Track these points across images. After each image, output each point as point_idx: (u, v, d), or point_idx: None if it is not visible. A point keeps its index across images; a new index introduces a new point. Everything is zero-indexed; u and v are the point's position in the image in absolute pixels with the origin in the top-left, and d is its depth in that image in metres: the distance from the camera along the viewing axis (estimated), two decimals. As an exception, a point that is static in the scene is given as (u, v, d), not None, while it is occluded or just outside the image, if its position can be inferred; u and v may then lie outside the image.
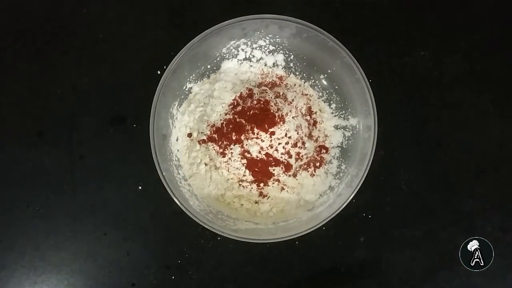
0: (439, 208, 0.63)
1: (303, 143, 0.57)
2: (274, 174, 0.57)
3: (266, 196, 0.59)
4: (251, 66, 0.62)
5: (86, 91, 0.63)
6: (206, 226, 0.53)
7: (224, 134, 0.57)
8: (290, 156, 0.57)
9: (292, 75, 0.62)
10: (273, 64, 0.62)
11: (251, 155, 0.56)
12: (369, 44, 0.64)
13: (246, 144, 0.56)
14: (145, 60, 0.63)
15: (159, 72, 0.62)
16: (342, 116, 0.62)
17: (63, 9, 0.65)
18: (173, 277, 0.61)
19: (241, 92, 0.58)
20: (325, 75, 0.62)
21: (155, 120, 0.54)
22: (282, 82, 0.62)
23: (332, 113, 0.62)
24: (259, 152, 0.56)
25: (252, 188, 0.58)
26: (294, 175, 0.59)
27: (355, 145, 0.60)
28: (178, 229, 0.61)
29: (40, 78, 0.64)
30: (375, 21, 0.65)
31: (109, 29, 0.65)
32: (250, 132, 0.55)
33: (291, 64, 0.62)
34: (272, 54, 0.62)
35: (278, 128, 0.55)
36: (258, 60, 0.62)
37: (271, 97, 0.57)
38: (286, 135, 0.56)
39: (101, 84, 0.63)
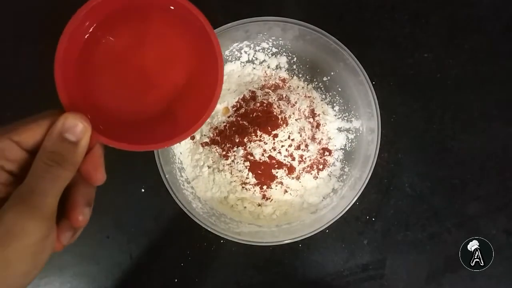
0: (443, 210, 0.62)
1: (306, 145, 0.57)
2: (277, 176, 0.57)
3: (269, 198, 0.58)
4: (254, 68, 0.62)
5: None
6: (209, 229, 0.53)
7: (227, 137, 0.56)
8: (293, 159, 0.57)
9: (295, 77, 0.62)
10: (276, 66, 0.62)
11: (254, 157, 0.56)
12: (372, 46, 0.64)
13: (249, 147, 0.55)
14: (148, 62, 0.63)
15: (162, 75, 0.62)
16: (345, 118, 0.61)
17: (66, 11, 0.65)
18: (176, 280, 0.60)
19: (244, 95, 0.58)
20: (328, 77, 0.61)
21: (158, 122, 0.54)
22: (285, 85, 0.62)
23: (335, 115, 0.62)
24: (262, 155, 0.56)
25: (255, 190, 0.58)
26: (297, 178, 0.58)
27: (358, 147, 0.60)
28: (181, 232, 0.61)
29: (42, 80, 0.64)
30: (378, 23, 0.65)
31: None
32: (253, 134, 0.55)
33: (294, 67, 0.62)
34: (275, 56, 0.62)
35: (281, 131, 0.55)
36: (261, 63, 0.62)
37: (274, 99, 0.57)
38: (289, 137, 0.56)
39: (104, 87, 0.63)
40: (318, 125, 0.60)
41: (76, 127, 0.31)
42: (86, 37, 0.34)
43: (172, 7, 0.35)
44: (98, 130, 0.33)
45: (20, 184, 0.29)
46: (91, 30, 0.35)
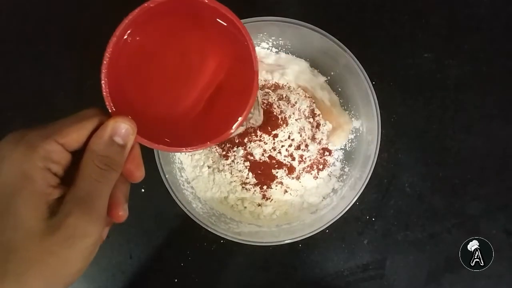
0: (443, 210, 0.62)
1: (306, 145, 0.57)
2: (277, 176, 0.57)
3: (269, 198, 0.58)
4: (254, 68, 0.62)
5: (89, 93, 0.63)
6: (209, 229, 0.53)
7: (227, 137, 0.56)
8: (293, 159, 0.56)
9: (295, 77, 0.62)
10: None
11: (254, 157, 0.56)
12: (372, 46, 0.64)
13: (249, 147, 0.55)
14: (148, 62, 0.63)
15: (162, 75, 0.62)
16: (345, 118, 0.61)
17: (65, 12, 0.65)
18: (176, 280, 0.60)
19: (244, 95, 0.58)
20: (328, 77, 0.61)
21: (158, 122, 0.54)
22: (285, 84, 0.62)
23: (335, 115, 0.62)
24: (262, 155, 0.56)
25: (255, 190, 0.58)
26: (297, 178, 0.58)
27: (358, 147, 0.60)
28: (181, 232, 0.61)
29: (43, 81, 0.64)
30: (378, 23, 0.65)
31: (112, 31, 0.65)
32: (253, 134, 0.55)
33: (294, 67, 0.62)
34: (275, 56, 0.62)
35: (281, 131, 0.55)
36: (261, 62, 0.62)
37: (274, 99, 0.57)
38: (289, 137, 0.56)
39: (104, 87, 0.63)
40: (318, 125, 0.60)
41: (125, 131, 0.32)
42: (123, 40, 0.35)
43: (218, 20, 0.35)
44: (139, 132, 0.34)
45: (64, 184, 0.30)
46: (128, 32, 0.35)
